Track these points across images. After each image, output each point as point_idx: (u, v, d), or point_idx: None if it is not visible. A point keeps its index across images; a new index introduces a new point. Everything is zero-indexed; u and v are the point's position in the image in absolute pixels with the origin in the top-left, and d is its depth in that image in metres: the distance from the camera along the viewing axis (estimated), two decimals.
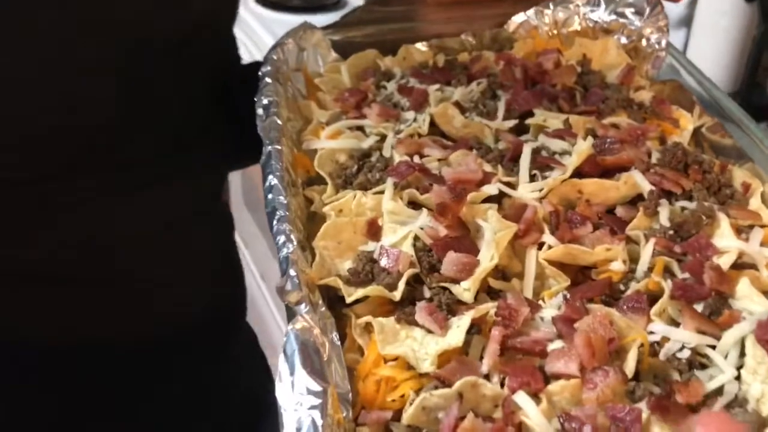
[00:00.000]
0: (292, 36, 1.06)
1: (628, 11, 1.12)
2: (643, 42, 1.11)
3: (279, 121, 0.91)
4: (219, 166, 1.06)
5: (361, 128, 0.97)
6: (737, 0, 1.46)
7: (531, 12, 1.14)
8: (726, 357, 0.68)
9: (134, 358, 0.94)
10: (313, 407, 0.60)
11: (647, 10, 1.10)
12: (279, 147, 0.87)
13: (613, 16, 1.13)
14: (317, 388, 0.61)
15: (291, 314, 0.68)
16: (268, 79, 0.97)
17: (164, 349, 0.96)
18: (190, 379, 1.02)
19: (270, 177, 0.83)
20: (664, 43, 1.08)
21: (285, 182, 0.83)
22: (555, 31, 1.13)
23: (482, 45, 1.13)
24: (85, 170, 0.83)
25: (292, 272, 0.71)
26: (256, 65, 1.04)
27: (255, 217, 2.12)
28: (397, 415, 0.68)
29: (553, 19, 1.13)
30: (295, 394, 0.61)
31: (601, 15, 1.12)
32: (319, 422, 0.59)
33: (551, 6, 1.13)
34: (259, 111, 0.92)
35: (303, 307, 0.67)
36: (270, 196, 0.81)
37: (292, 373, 0.62)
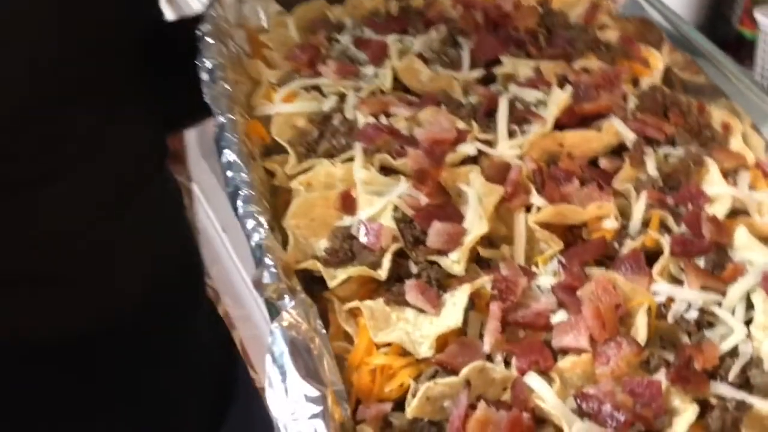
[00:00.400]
0: None
1: None
2: None
3: (227, 87, 0.82)
4: (155, 132, 0.96)
5: (317, 88, 0.89)
6: None
7: None
8: (733, 313, 0.65)
9: (84, 348, 0.86)
10: (314, 416, 0.54)
11: None
12: (232, 117, 0.78)
13: None
14: (315, 393, 0.55)
15: (273, 309, 0.61)
16: (209, 39, 0.88)
17: (120, 335, 0.88)
18: (151, 362, 0.94)
19: (226, 152, 0.75)
20: None
21: (244, 156, 0.75)
22: None
23: None
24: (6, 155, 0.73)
25: (267, 261, 0.64)
26: (184, 23, 0.94)
27: (213, 166, 1.98)
28: (397, 405, 0.63)
29: None
30: (290, 401, 0.55)
31: None
32: None
33: None
34: (204, 76, 0.83)
35: (287, 302, 0.61)
36: (230, 173, 0.73)
37: (284, 379, 0.56)
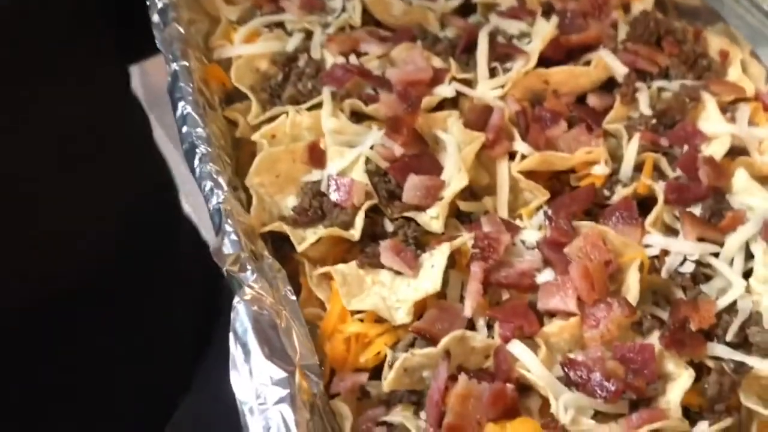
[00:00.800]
0: None
1: None
2: None
3: (181, 29, 0.75)
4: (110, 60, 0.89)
5: (281, 25, 0.81)
6: None
7: None
8: (731, 265, 0.61)
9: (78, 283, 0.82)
10: (280, 400, 0.50)
11: None
12: (186, 63, 0.71)
13: None
14: (281, 374, 0.51)
15: (234, 282, 0.56)
16: None
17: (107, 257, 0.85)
18: (136, 285, 0.91)
19: (181, 104, 0.68)
20: None
21: (201, 107, 0.69)
22: None
23: None
24: None
25: (227, 227, 0.59)
26: None
27: (163, 119, 1.91)
28: (375, 373, 0.59)
29: None
30: (254, 383, 0.51)
31: None
32: (292, 420, 0.49)
33: None
34: (155, 18, 0.76)
35: (249, 275, 0.56)
36: (185, 129, 0.66)
37: (247, 358, 0.52)
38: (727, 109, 0.73)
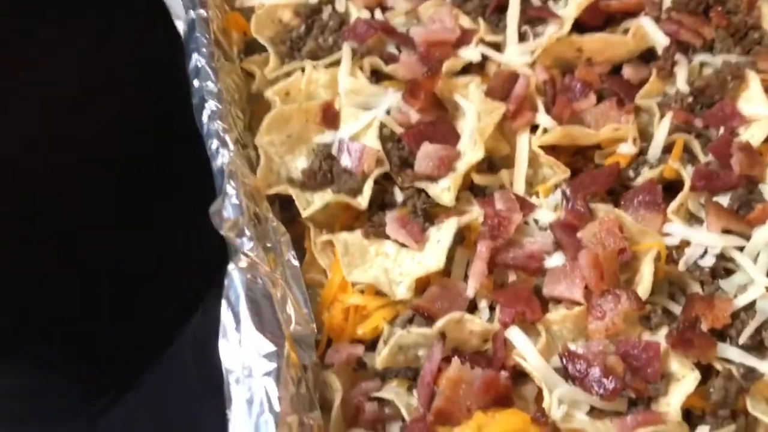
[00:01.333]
0: None
1: None
2: None
3: None
4: None
5: None
6: None
7: None
8: (756, 261, 0.57)
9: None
10: (267, 374, 0.49)
11: None
12: (204, 12, 0.69)
13: None
14: (270, 347, 0.50)
15: (231, 248, 0.55)
16: None
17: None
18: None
19: (195, 56, 0.66)
20: None
21: (215, 60, 0.67)
22: None
23: None
24: None
25: (229, 189, 0.58)
26: None
27: None
28: (372, 345, 0.58)
29: None
30: (243, 353, 0.50)
31: None
32: (275, 396, 0.48)
33: None
34: None
35: (246, 242, 0.55)
36: (196, 82, 0.65)
37: (237, 327, 0.51)
38: None
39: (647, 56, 0.71)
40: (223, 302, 0.52)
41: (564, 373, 0.52)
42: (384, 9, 0.74)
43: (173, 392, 0.85)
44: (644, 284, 0.55)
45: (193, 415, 0.78)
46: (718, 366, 0.53)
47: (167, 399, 0.84)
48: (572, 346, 0.53)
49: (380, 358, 0.55)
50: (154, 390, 0.86)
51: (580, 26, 0.71)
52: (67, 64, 0.76)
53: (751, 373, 0.52)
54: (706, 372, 0.53)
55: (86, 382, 0.88)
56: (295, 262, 0.60)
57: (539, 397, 0.53)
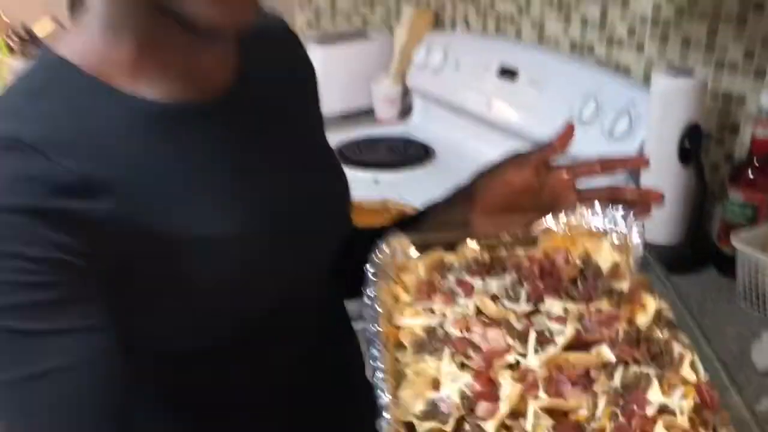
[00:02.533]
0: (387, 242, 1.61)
1: (619, 219, 1.63)
2: (628, 242, 1.61)
3: (379, 309, 1.46)
4: None
5: (431, 309, 1.50)
6: (675, 164, 2.05)
7: (549, 217, 1.66)
8: None
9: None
10: None
11: (630, 221, 1.60)
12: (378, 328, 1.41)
13: (609, 224, 1.63)
14: None
15: None
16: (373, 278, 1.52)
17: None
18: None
19: (372, 349, 1.37)
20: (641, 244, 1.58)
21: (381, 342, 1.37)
22: (567, 232, 1.65)
23: (516, 242, 1.66)
24: None
25: (385, 416, 1.23)
26: (366, 234, 1.51)
27: None
28: None
29: (565, 223, 1.65)
30: None
31: (599, 222, 1.63)
32: None
33: (564, 214, 1.65)
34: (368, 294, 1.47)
35: None
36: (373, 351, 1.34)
37: None
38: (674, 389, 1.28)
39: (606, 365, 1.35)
40: None
41: None
42: (468, 330, 1.43)
43: None
44: None
45: None
46: None
47: None
48: None
49: None
50: None
51: (570, 347, 1.36)
52: None
53: None
54: None
55: None
56: None
57: None
